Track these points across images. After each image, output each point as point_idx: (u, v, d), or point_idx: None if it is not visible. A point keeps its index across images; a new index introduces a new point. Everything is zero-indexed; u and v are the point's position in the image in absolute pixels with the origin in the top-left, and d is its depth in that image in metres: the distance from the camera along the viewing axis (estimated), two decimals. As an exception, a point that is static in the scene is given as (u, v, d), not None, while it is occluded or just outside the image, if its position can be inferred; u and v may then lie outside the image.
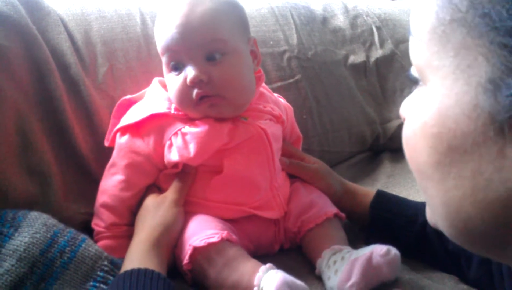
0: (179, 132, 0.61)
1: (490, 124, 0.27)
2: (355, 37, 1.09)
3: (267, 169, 0.64)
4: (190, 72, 0.58)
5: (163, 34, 0.60)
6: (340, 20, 1.09)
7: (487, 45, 0.26)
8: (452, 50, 0.28)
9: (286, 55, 0.94)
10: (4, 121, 0.62)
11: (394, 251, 0.56)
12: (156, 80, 0.67)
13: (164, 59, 0.61)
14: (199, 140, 0.60)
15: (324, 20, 1.07)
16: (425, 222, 0.40)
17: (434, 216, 0.34)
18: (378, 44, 1.12)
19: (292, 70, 0.94)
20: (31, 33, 0.66)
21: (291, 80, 0.92)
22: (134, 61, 0.76)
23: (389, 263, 0.55)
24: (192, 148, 0.60)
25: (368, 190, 0.73)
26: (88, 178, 0.69)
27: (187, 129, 0.61)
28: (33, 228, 0.57)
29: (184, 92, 0.59)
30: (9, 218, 0.57)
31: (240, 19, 0.64)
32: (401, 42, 1.16)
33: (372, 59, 1.09)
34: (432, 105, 0.30)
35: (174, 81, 0.60)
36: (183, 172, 0.63)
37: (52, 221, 0.59)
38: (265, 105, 0.67)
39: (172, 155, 0.61)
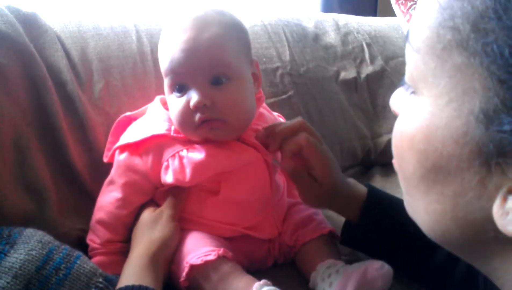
0: (177, 155, 0.61)
1: (477, 154, 0.27)
2: (346, 54, 1.11)
3: (263, 193, 0.65)
4: (193, 96, 0.58)
5: (169, 56, 0.59)
6: (331, 37, 1.12)
7: (486, 75, 0.26)
8: (449, 70, 0.27)
9: (279, 72, 0.96)
10: (1, 138, 0.63)
11: (387, 266, 0.57)
12: (157, 99, 0.68)
13: (167, 80, 0.61)
14: (195, 166, 0.60)
15: (316, 37, 1.09)
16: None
17: (414, 216, 0.34)
18: (368, 61, 1.14)
19: (285, 86, 0.96)
20: (28, 50, 0.67)
21: (284, 96, 0.94)
22: (130, 78, 0.77)
23: (383, 277, 0.56)
24: (188, 173, 0.60)
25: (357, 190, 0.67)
26: (83, 194, 0.70)
27: (185, 153, 0.61)
28: (29, 245, 0.57)
29: (186, 115, 0.59)
30: (4, 235, 0.57)
31: (244, 43, 0.64)
32: (391, 58, 1.19)
33: (363, 75, 1.12)
34: (422, 121, 0.30)
35: (176, 103, 0.60)
36: (177, 187, 0.64)
37: (47, 238, 0.59)
38: (263, 126, 0.67)
39: (168, 177, 0.61)
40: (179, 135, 0.62)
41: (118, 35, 0.79)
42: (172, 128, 0.63)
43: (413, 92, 0.32)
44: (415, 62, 0.30)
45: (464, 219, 0.29)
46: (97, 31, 0.78)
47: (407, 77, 0.32)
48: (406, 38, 0.32)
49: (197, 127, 0.60)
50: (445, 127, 0.28)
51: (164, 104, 0.66)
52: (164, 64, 0.60)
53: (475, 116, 0.26)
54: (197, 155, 0.60)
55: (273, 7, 1.42)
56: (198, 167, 0.60)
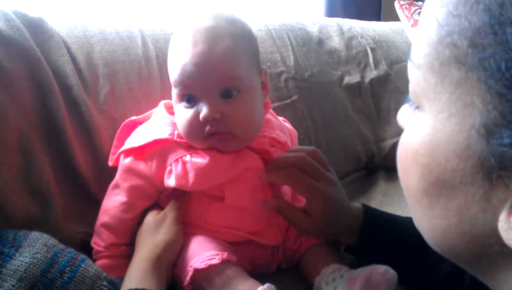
0: (180, 160, 0.61)
1: (479, 168, 0.27)
2: (350, 58, 1.12)
3: (265, 198, 0.64)
4: (203, 109, 0.57)
5: (179, 68, 0.58)
6: (335, 42, 1.12)
7: (484, 89, 0.26)
8: (449, 86, 0.28)
9: (283, 76, 0.96)
10: (7, 142, 0.63)
11: (392, 270, 0.57)
12: (162, 104, 0.68)
13: (176, 90, 0.61)
14: (198, 172, 0.60)
15: (320, 42, 1.09)
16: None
17: (421, 231, 0.35)
18: (372, 65, 1.15)
19: (289, 91, 0.96)
20: (34, 55, 0.68)
21: (288, 101, 0.94)
22: (135, 83, 0.77)
23: (388, 282, 0.56)
24: (191, 178, 0.60)
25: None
26: (88, 198, 0.70)
27: (188, 158, 0.61)
28: (34, 248, 0.57)
29: (194, 125, 0.59)
30: (10, 238, 0.58)
31: (254, 52, 0.64)
32: (395, 63, 1.19)
33: (367, 80, 1.12)
34: (425, 136, 0.30)
35: (184, 113, 0.60)
36: (177, 190, 0.63)
37: (52, 241, 0.59)
38: (270, 132, 0.67)
39: (170, 181, 0.61)
40: (182, 140, 0.62)
41: (123, 40, 0.80)
42: (176, 132, 0.62)
43: (417, 108, 0.32)
44: (416, 79, 0.31)
45: (469, 233, 0.29)
46: (102, 36, 0.78)
47: (410, 93, 0.33)
48: (408, 55, 0.32)
49: (206, 138, 0.60)
50: (448, 142, 0.28)
51: (169, 108, 0.66)
52: (174, 75, 0.60)
53: (476, 130, 0.26)
54: (201, 160, 0.60)
55: (277, 11, 1.42)
56: (201, 173, 0.60)
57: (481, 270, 0.32)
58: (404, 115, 0.36)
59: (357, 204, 0.67)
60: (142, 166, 0.63)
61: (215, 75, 0.57)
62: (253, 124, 0.62)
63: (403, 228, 0.61)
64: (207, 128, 0.58)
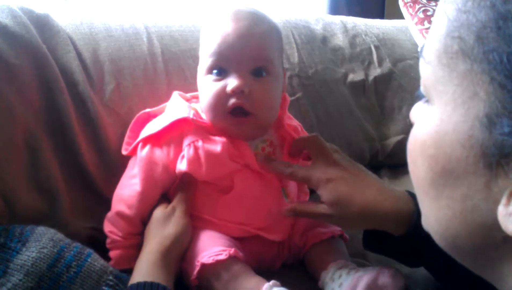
0: (192, 144, 0.62)
1: (481, 157, 0.28)
2: (354, 56, 1.12)
3: (276, 194, 0.65)
4: (233, 81, 0.59)
5: (219, 38, 0.60)
6: (339, 39, 1.12)
7: (488, 81, 0.27)
8: (457, 78, 0.29)
9: (288, 74, 0.96)
10: (14, 138, 0.64)
11: (400, 274, 0.57)
12: (176, 93, 0.69)
13: (208, 62, 0.62)
14: (210, 158, 0.61)
15: (324, 39, 1.09)
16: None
17: (428, 227, 0.36)
18: (376, 63, 1.14)
19: (293, 88, 0.96)
20: (41, 52, 0.68)
21: (292, 98, 0.94)
22: (141, 79, 0.77)
23: (395, 285, 0.56)
24: (203, 164, 0.61)
25: None
26: (94, 194, 0.71)
27: (200, 143, 0.62)
28: (40, 243, 0.57)
29: (220, 97, 0.60)
30: (17, 233, 0.58)
31: (282, 49, 0.68)
32: (399, 61, 1.19)
33: (371, 78, 1.12)
34: (433, 127, 0.31)
35: (211, 85, 0.61)
36: (183, 182, 0.64)
37: (58, 235, 0.60)
38: (295, 127, 0.70)
39: (182, 166, 0.62)
40: (198, 119, 0.63)
41: (129, 36, 0.80)
42: (191, 113, 0.63)
43: (427, 101, 0.34)
44: (426, 74, 0.32)
45: (472, 223, 0.30)
46: (108, 33, 0.79)
47: (421, 88, 0.34)
48: (420, 53, 0.34)
49: (227, 113, 0.61)
50: (453, 132, 0.30)
51: (183, 97, 0.68)
52: (212, 45, 0.61)
53: (480, 120, 0.28)
54: (213, 147, 0.61)
55: (281, 9, 1.42)
56: (212, 159, 0.61)
57: (485, 265, 0.32)
58: (416, 111, 0.37)
59: (401, 191, 0.60)
60: (158, 153, 0.64)
61: (252, 50, 0.60)
62: (273, 108, 0.64)
63: None
64: (232, 100, 0.60)
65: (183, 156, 0.62)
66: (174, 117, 0.63)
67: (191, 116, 0.63)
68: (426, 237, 0.52)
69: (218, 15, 0.64)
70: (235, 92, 0.59)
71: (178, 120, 0.63)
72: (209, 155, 0.61)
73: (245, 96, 0.60)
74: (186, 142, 0.62)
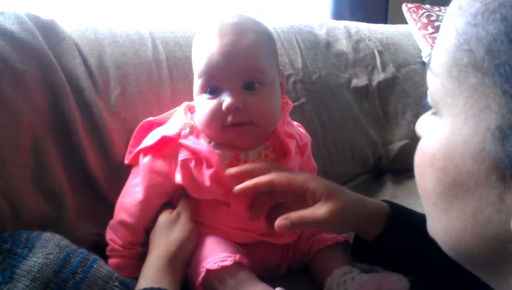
0: (185, 163, 0.62)
1: (494, 169, 0.28)
2: (357, 61, 1.12)
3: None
4: (227, 99, 0.59)
5: (205, 58, 0.60)
6: (343, 45, 1.12)
7: (500, 94, 0.27)
8: (467, 91, 0.29)
9: (292, 79, 0.97)
10: (20, 143, 0.64)
11: (405, 280, 0.57)
12: (184, 104, 0.69)
13: (200, 82, 0.62)
14: (200, 187, 0.61)
15: (328, 45, 1.10)
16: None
17: (436, 237, 0.35)
18: (380, 68, 1.14)
19: (297, 94, 0.96)
20: (47, 58, 0.69)
21: (296, 103, 0.94)
22: (146, 85, 0.78)
23: None
24: (195, 186, 0.62)
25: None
26: (99, 199, 0.71)
27: (193, 164, 0.62)
28: (47, 249, 0.58)
29: (216, 116, 0.60)
30: (23, 239, 0.58)
31: (275, 52, 0.66)
32: (402, 66, 1.19)
33: (374, 83, 1.12)
34: (442, 139, 0.31)
35: (206, 104, 0.61)
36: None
37: (64, 242, 0.60)
38: (290, 134, 0.68)
39: (177, 178, 0.62)
40: (185, 142, 0.62)
41: (134, 42, 0.80)
42: (182, 133, 0.63)
43: (434, 113, 0.33)
44: (435, 86, 0.32)
45: (483, 235, 0.29)
46: (113, 39, 0.79)
47: (429, 101, 0.34)
48: (427, 65, 0.34)
49: (225, 128, 0.61)
50: (464, 145, 0.29)
51: (190, 109, 0.67)
52: (200, 65, 0.61)
53: (492, 132, 0.28)
54: (201, 181, 0.61)
55: (284, 14, 1.43)
56: (202, 188, 0.62)
57: (495, 276, 0.32)
58: (422, 124, 0.37)
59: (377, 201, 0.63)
60: (160, 164, 0.64)
61: (240, 66, 0.59)
62: (273, 115, 0.63)
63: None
64: (229, 118, 0.60)
65: (178, 170, 0.63)
66: (165, 133, 0.63)
67: (181, 136, 0.62)
68: (402, 235, 0.53)
69: (203, 31, 0.63)
70: (230, 109, 0.59)
71: (168, 137, 0.63)
72: (199, 184, 0.61)
73: (241, 112, 0.59)
74: (180, 156, 0.62)
